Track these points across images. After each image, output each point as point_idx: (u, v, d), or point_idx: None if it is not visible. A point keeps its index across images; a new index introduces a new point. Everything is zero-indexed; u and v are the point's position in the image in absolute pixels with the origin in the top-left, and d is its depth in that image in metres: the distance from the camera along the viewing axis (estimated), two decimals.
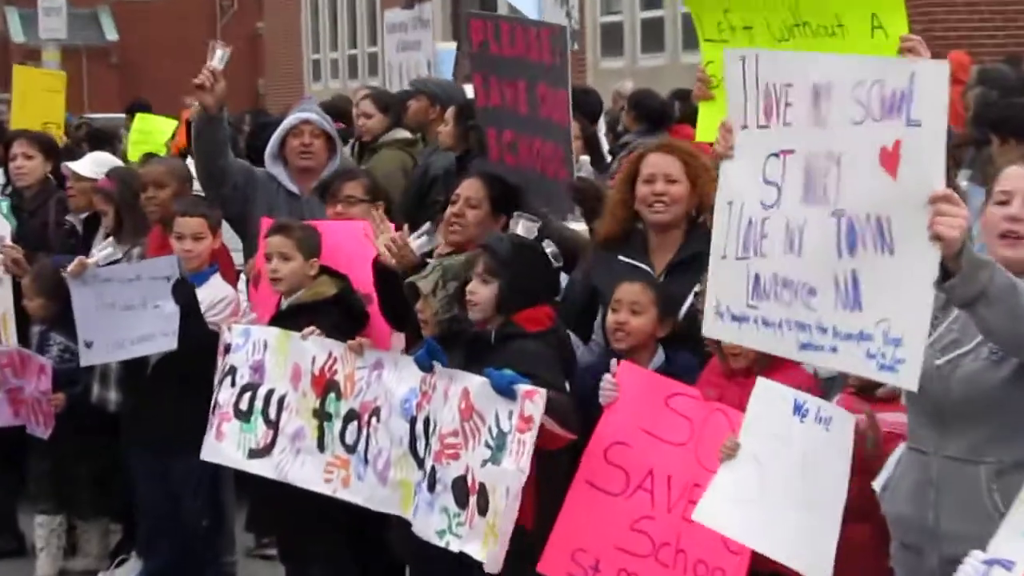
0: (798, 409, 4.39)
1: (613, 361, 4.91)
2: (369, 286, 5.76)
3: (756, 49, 4.39)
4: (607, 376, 4.86)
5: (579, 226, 6.00)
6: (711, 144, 4.56)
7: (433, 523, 5.00)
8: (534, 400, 4.67)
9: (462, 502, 4.89)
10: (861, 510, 4.21)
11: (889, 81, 3.44)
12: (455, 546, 4.89)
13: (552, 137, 6.12)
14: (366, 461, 5.41)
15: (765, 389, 4.44)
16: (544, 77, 6.14)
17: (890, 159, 3.48)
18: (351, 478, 5.47)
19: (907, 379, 3.47)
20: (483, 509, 4.81)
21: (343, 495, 5.48)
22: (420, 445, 5.17)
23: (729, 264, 4.04)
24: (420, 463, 5.15)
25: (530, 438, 4.66)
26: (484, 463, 4.84)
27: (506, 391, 4.74)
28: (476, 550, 4.78)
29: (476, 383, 4.87)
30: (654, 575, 4.71)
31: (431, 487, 5.03)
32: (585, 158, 7.45)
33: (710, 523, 4.45)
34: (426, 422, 5.14)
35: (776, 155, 3.89)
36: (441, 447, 5.02)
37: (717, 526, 4.44)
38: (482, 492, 4.81)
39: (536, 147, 6.24)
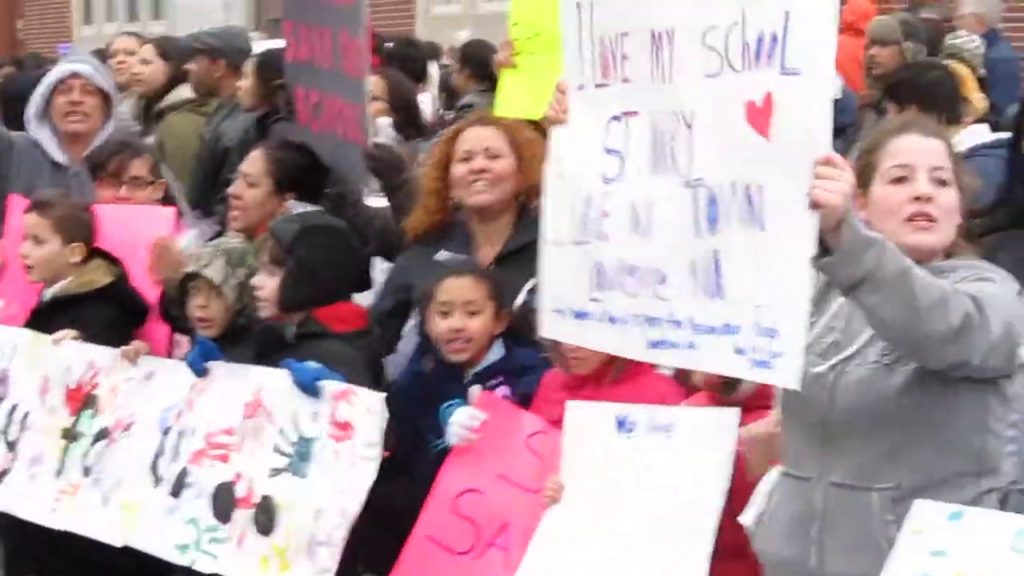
0: (622, 425, 4.25)
1: (474, 389, 4.65)
2: None
3: None
4: (468, 410, 4.58)
5: (378, 201, 5.80)
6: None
7: (171, 535, 4.84)
8: (351, 401, 4.51)
9: (223, 515, 4.73)
10: (730, 546, 3.95)
11: (753, 23, 3.29)
12: (204, 566, 4.72)
13: (351, 96, 5.87)
14: (96, 484, 5.19)
15: (578, 412, 4.32)
16: (345, 23, 5.90)
17: (760, 116, 3.32)
18: (76, 505, 5.25)
19: (788, 376, 3.29)
20: (266, 528, 4.62)
21: (60, 523, 5.21)
22: (164, 460, 4.98)
23: (565, 251, 3.93)
24: (157, 481, 4.98)
25: (355, 448, 4.51)
26: (276, 472, 4.67)
27: (309, 388, 4.59)
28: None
29: (271, 376, 4.74)
30: None
31: (175, 492, 4.87)
32: (385, 120, 7.17)
33: None
34: (181, 432, 4.99)
35: (618, 118, 3.78)
36: (205, 446, 4.86)
37: None
38: (265, 508, 4.64)
39: (338, 108, 5.99)
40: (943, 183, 3.56)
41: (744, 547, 3.84)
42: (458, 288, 4.75)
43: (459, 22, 18.11)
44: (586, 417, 4.33)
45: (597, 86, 3.85)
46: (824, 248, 3.19)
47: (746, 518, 3.81)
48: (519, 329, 4.81)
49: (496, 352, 4.83)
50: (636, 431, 4.21)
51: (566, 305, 3.96)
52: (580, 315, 3.92)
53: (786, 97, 3.26)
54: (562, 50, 4.01)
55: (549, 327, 4.05)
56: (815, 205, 3.15)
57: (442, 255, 5.14)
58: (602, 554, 4.21)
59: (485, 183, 5.00)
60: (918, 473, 3.49)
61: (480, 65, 9.54)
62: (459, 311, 4.70)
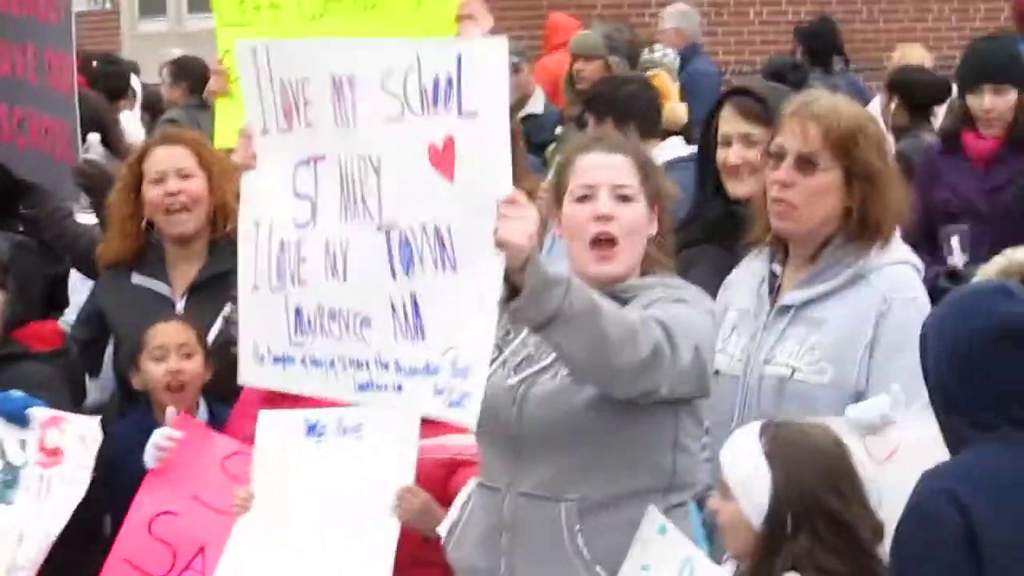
0: (312, 429, 4.27)
1: (170, 410, 4.61)
2: None
3: (267, 40, 4.17)
4: (165, 431, 4.55)
5: (88, 218, 5.74)
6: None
7: None
8: (62, 428, 4.57)
9: None
10: (424, 557, 3.99)
11: (428, 67, 3.25)
12: None
13: (59, 112, 5.99)
14: None
15: (268, 420, 4.30)
16: (51, 40, 6.01)
17: (443, 159, 3.29)
18: None
19: (471, 415, 3.29)
20: None
21: None
22: None
23: (263, 296, 3.84)
24: None
25: (64, 473, 4.58)
26: None
27: (17, 417, 4.60)
28: None
29: None
30: None
31: None
32: (95, 136, 7.14)
33: None
34: None
35: (306, 163, 3.69)
36: None
37: None
38: None
39: (45, 124, 6.02)
40: (627, 199, 3.53)
41: (439, 557, 3.83)
42: (169, 334, 4.70)
43: (166, 39, 17.68)
44: (277, 424, 4.30)
45: (280, 131, 3.77)
46: (514, 289, 3.15)
47: (441, 528, 3.80)
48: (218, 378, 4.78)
49: (203, 414, 4.80)
50: (326, 435, 4.21)
51: (266, 351, 3.89)
52: (280, 360, 3.85)
53: (466, 139, 3.24)
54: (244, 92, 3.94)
55: (250, 374, 3.99)
56: (500, 245, 3.11)
57: (136, 279, 5.05)
58: (291, 561, 4.21)
59: (184, 209, 4.90)
60: (605, 487, 3.49)
61: (190, 78, 9.40)
62: (175, 355, 4.66)
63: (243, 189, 3.91)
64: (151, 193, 4.92)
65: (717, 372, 3.80)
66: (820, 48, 11.28)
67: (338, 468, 4.19)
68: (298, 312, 3.71)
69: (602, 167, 3.58)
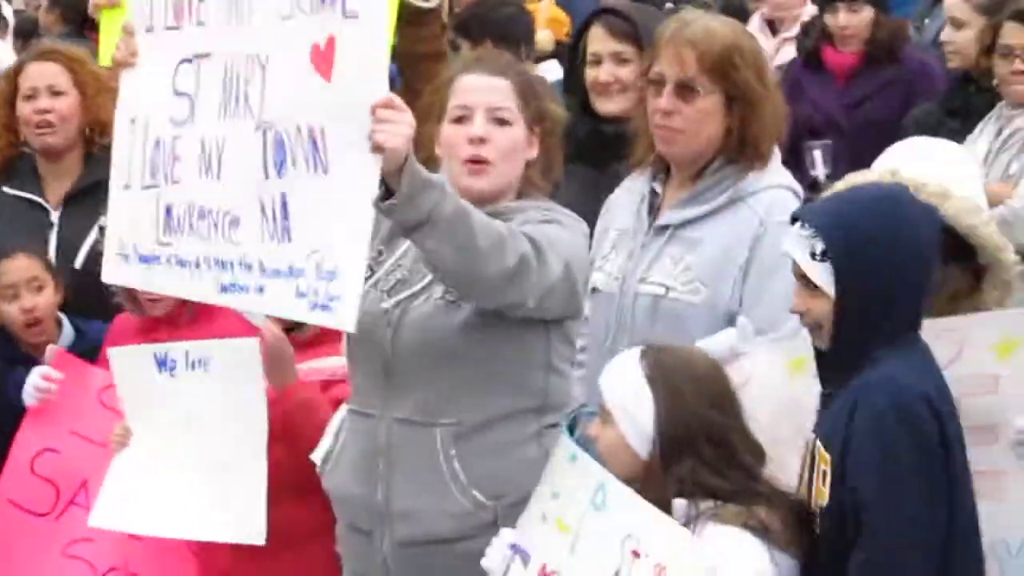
0: (163, 364, 4.31)
1: (51, 349, 4.69)
2: None
3: None
4: (43, 369, 4.64)
5: None
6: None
7: None
8: None
9: None
10: (298, 486, 4.02)
11: None
12: None
13: None
14: None
15: (120, 357, 4.38)
16: None
17: (323, 59, 3.36)
18: None
19: (344, 319, 3.32)
20: None
21: None
22: None
23: (134, 195, 3.90)
24: None
25: None
26: None
27: None
28: None
29: None
30: None
31: None
32: None
33: (111, 524, 4.37)
34: None
35: (189, 60, 3.77)
36: None
37: (119, 525, 4.37)
38: None
39: None
40: (503, 122, 3.58)
41: (316, 484, 3.88)
42: (21, 267, 4.80)
43: None
44: (128, 361, 4.36)
45: (168, 28, 3.80)
46: (388, 191, 3.20)
47: (316, 455, 3.83)
48: (77, 295, 4.91)
49: (68, 334, 4.87)
50: (177, 369, 4.24)
51: (132, 250, 3.91)
52: (147, 259, 3.87)
53: (347, 40, 3.28)
54: None
55: (113, 273, 4.00)
56: (376, 148, 3.16)
57: (8, 191, 5.17)
58: (167, 496, 4.25)
59: (48, 126, 5.00)
60: (479, 410, 3.54)
61: (70, 7, 9.12)
62: (25, 289, 4.76)
63: (121, 86, 3.94)
64: (23, 109, 5.06)
65: (595, 290, 3.93)
66: None
67: (194, 401, 4.24)
68: (168, 211, 3.75)
69: (480, 89, 3.62)
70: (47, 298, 4.84)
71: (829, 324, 3.21)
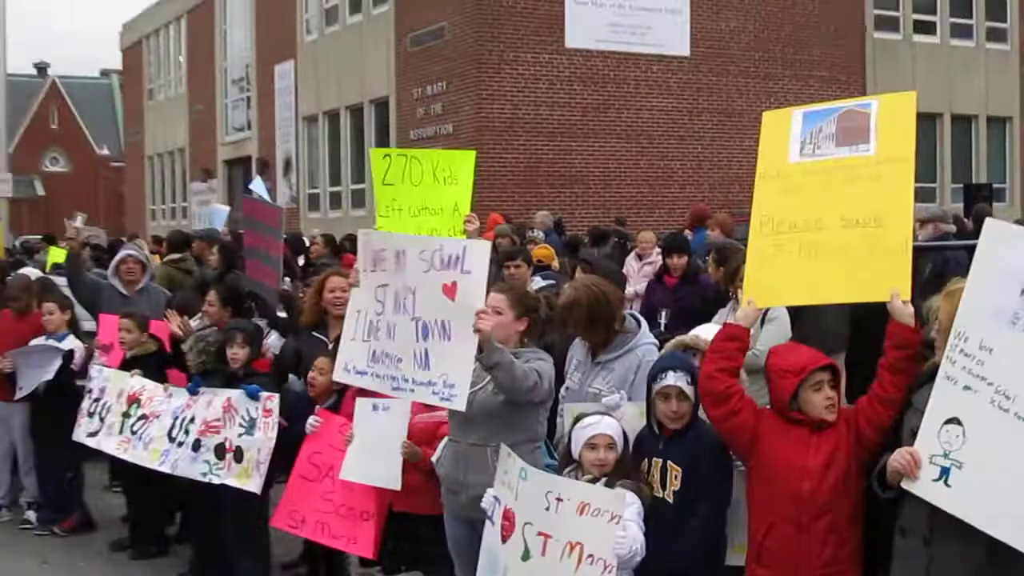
0: (375, 407, 6.12)
1: (317, 410, 6.78)
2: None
3: (368, 231, 5.97)
4: (314, 418, 6.76)
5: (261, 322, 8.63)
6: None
7: (197, 468, 7.23)
8: (273, 400, 7.08)
9: (220, 456, 7.20)
10: (428, 470, 5.95)
11: (447, 250, 5.09)
12: (215, 480, 7.13)
13: (271, 265, 8.80)
14: (140, 439, 7.89)
15: (361, 401, 6.18)
16: (273, 233, 8.84)
17: (450, 291, 4.97)
18: (130, 448, 8.00)
19: (459, 404, 5.02)
20: (240, 459, 7.04)
21: (124, 456, 8.03)
22: (176, 431, 7.56)
23: (357, 343, 5.67)
24: (172, 439, 7.55)
25: (272, 420, 6.97)
26: (240, 435, 7.11)
27: (255, 396, 7.12)
28: (233, 482, 6.94)
29: (235, 393, 7.25)
30: (336, 521, 6.44)
31: (195, 448, 7.27)
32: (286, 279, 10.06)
33: (351, 478, 6.35)
34: (184, 419, 7.44)
35: (382, 286, 5.49)
36: (205, 427, 7.29)
37: (356, 478, 6.32)
38: (237, 451, 7.08)
39: (265, 270, 8.91)
40: (500, 312, 5.26)
41: (432, 470, 5.69)
42: (325, 363, 6.87)
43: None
44: (363, 404, 5.94)
45: (370, 271, 5.44)
46: (479, 349, 4.77)
47: (434, 458, 5.68)
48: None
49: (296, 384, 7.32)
50: (378, 411, 5.95)
51: (352, 367, 5.56)
52: (359, 372, 5.52)
53: (463, 282, 4.80)
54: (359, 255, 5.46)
55: (341, 376, 5.75)
56: (476, 331, 4.73)
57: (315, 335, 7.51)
58: (365, 464, 6.12)
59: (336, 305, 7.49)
60: (506, 440, 5.05)
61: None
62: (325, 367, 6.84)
63: (352, 294, 5.68)
64: (327, 298, 7.51)
65: (568, 389, 5.69)
66: None
67: (379, 426, 5.94)
68: (372, 352, 5.44)
69: (491, 297, 5.19)
70: (324, 379, 6.70)
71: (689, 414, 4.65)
